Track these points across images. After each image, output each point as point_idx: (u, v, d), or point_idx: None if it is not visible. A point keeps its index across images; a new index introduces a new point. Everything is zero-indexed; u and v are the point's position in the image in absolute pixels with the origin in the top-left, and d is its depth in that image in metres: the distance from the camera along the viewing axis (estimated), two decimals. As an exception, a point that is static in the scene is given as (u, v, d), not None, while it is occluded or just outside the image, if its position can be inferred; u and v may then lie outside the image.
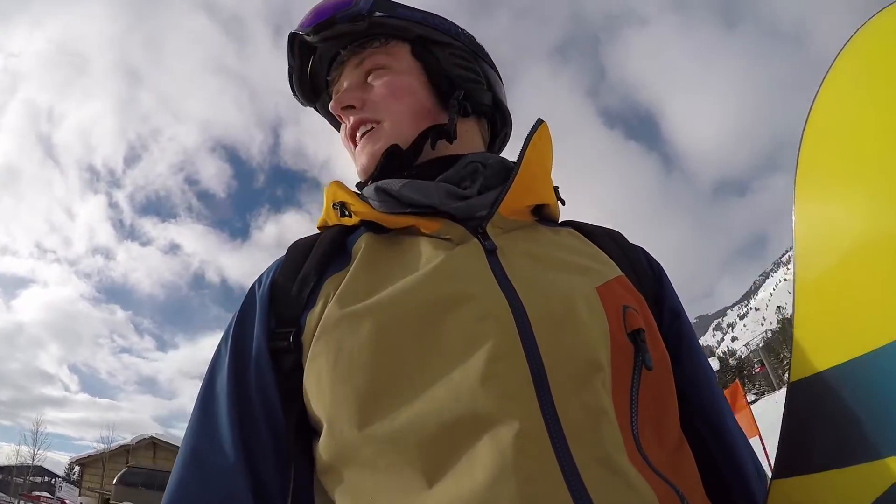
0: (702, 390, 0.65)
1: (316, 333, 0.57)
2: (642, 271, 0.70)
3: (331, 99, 0.81)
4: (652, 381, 0.55)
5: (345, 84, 0.78)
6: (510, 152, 0.84)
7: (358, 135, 0.75)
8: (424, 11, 0.78)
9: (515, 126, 0.85)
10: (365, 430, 0.50)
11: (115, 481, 21.91)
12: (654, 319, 0.62)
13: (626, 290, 0.62)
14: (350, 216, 0.69)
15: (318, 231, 0.74)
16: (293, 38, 0.78)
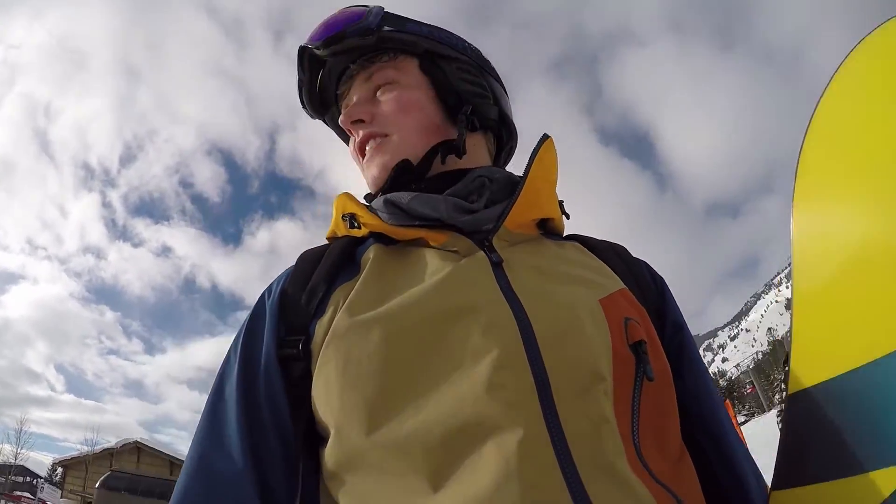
0: (703, 402, 0.66)
1: (325, 341, 0.58)
2: (645, 285, 0.71)
3: (340, 112, 0.82)
4: (653, 391, 0.56)
5: (354, 98, 0.79)
6: (516, 165, 0.86)
7: (367, 148, 0.76)
8: (432, 26, 0.80)
9: (514, 126, 0.86)
10: (372, 435, 0.51)
11: (97, 485, 21.60)
12: (656, 332, 0.63)
13: (629, 303, 0.63)
14: (359, 227, 0.71)
15: (328, 242, 0.75)
16: (303, 51, 0.79)
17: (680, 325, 0.70)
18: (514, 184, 0.73)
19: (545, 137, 0.74)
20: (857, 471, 0.49)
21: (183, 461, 0.61)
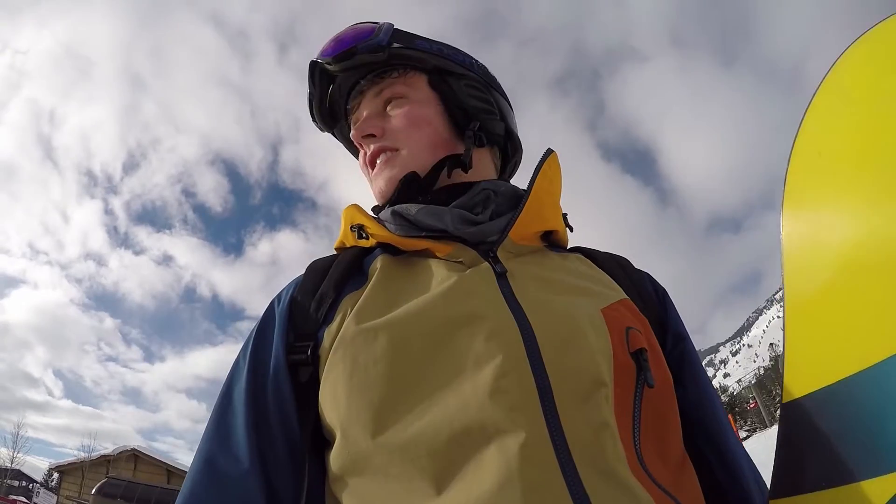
0: (705, 411, 0.66)
1: (333, 347, 0.59)
2: (647, 296, 0.72)
3: (349, 125, 0.84)
4: (654, 398, 0.57)
5: (364, 113, 0.80)
6: (521, 178, 0.86)
7: (378, 162, 0.78)
8: (441, 43, 0.82)
9: (519, 141, 0.87)
10: (378, 438, 0.52)
11: (93, 491, 21.50)
12: (657, 341, 0.64)
13: (631, 313, 0.64)
14: (367, 238, 0.72)
15: (336, 252, 0.77)
16: (314, 66, 0.80)
17: (682, 336, 0.71)
18: (519, 197, 0.75)
19: (549, 152, 0.76)
20: (854, 479, 0.49)
21: (181, 470, 0.62)
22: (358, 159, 0.85)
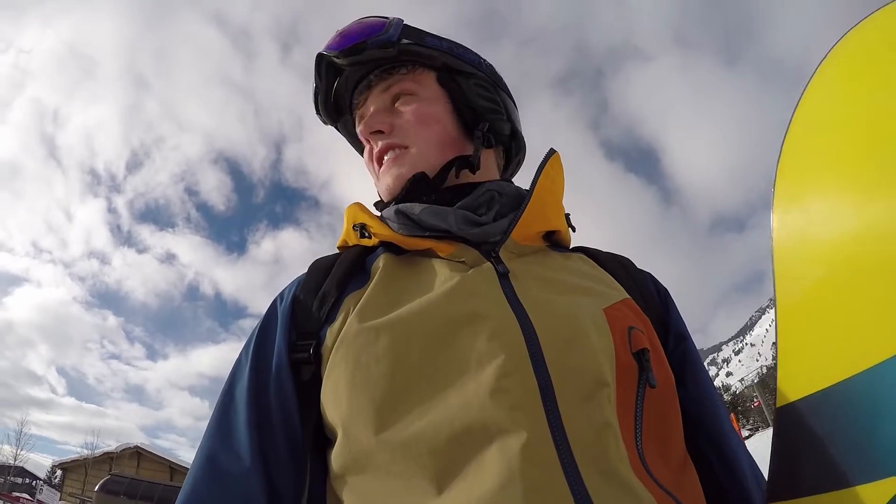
0: (706, 411, 0.66)
1: (335, 346, 0.59)
2: (649, 296, 0.72)
3: (353, 119, 0.84)
4: (656, 399, 0.57)
5: (371, 108, 0.80)
6: (522, 177, 0.86)
7: (385, 158, 0.77)
8: (450, 41, 0.81)
9: (523, 141, 0.87)
10: (379, 436, 0.52)
11: (96, 488, 21.58)
12: (659, 341, 0.64)
13: (633, 312, 0.64)
14: (369, 237, 0.72)
15: (338, 251, 0.77)
16: (321, 58, 0.79)
17: (683, 336, 0.71)
18: (522, 197, 0.75)
19: (552, 152, 0.75)
20: (850, 483, 0.49)
21: (184, 467, 0.62)
22: (363, 154, 0.85)
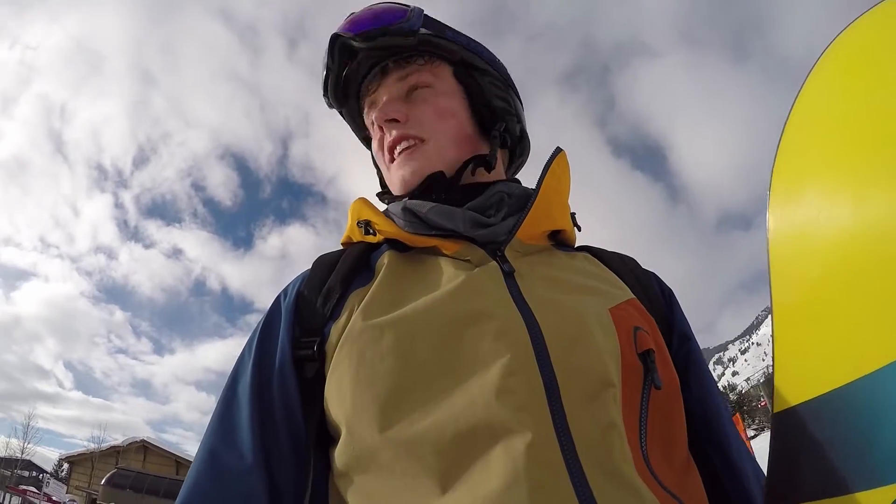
0: (710, 413, 0.66)
1: (340, 343, 0.59)
2: (654, 296, 0.72)
3: (359, 105, 0.82)
4: (661, 400, 0.57)
5: (385, 96, 0.77)
6: (525, 174, 0.86)
7: (398, 148, 0.75)
8: (467, 36, 0.80)
9: (529, 141, 0.87)
10: (384, 434, 0.51)
11: (103, 482, 21.75)
12: (664, 342, 0.63)
13: (638, 313, 0.64)
14: (374, 234, 0.71)
15: (342, 247, 0.76)
16: (336, 39, 0.77)
17: (688, 337, 0.71)
18: (528, 197, 0.74)
19: (558, 150, 0.75)
20: (848, 490, 0.48)
21: (190, 461, 0.62)
22: (364, 142, 0.84)
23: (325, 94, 0.83)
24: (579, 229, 0.79)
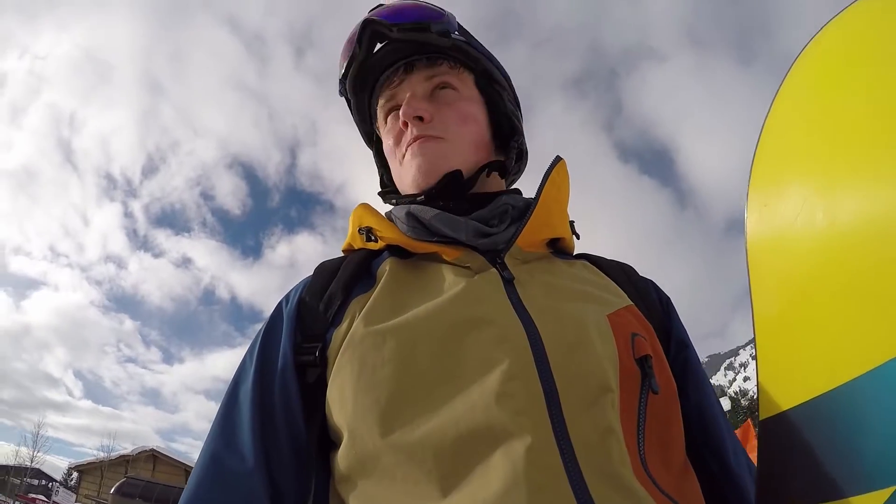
0: (707, 419, 0.66)
1: (341, 348, 0.60)
2: (651, 303, 0.72)
3: (370, 97, 0.82)
4: (658, 405, 0.57)
5: (408, 93, 0.76)
6: (524, 183, 0.87)
7: (416, 145, 0.73)
8: (488, 50, 0.82)
9: (528, 156, 0.88)
10: (385, 438, 0.52)
11: (112, 491, 21.77)
12: (661, 348, 0.64)
13: (636, 319, 0.64)
14: (375, 241, 0.72)
15: (343, 254, 0.77)
16: (367, 25, 0.75)
17: (685, 344, 0.71)
18: (528, 206, 0.74)
19: (557, 159, 0.76)
20: (837, 495, 0.48)
21: (199, 470, 0.63)
22: (372, 138, 0.85)
23: (343, 81, 0.81)
24: (578, 237, 0.79)
